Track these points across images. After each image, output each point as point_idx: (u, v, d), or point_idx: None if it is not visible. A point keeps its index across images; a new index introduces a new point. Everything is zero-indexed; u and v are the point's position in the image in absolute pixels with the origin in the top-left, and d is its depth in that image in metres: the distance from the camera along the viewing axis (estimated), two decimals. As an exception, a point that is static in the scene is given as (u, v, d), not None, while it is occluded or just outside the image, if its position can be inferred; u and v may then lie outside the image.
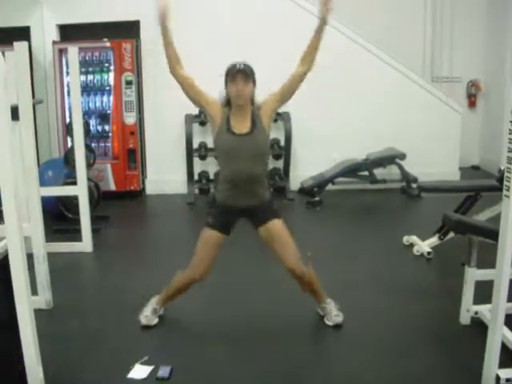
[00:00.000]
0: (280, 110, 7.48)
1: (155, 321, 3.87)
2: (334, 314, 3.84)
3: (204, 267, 3.66)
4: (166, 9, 3.49)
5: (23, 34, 7.21)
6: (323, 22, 3.51)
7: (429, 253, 5.16)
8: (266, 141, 3.61)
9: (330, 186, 7.51)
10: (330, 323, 3.82)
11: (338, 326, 3.79)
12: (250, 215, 3.66)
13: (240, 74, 3.41)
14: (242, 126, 3.50)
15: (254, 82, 3.50)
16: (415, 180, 7.46)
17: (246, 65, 3.46)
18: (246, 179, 3.51)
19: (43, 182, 5.31)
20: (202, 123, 7.63)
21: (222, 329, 3.86)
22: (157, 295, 3.94)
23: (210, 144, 7.62)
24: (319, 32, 3.55)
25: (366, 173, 7.61)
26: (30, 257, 3.46)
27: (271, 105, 3.56)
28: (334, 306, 3.89)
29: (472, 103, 9.56)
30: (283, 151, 7.67)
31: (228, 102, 3.54)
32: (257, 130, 3.50)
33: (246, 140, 3.48)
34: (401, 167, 7.65)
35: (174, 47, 3.63)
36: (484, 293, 3.44)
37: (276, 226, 3.65)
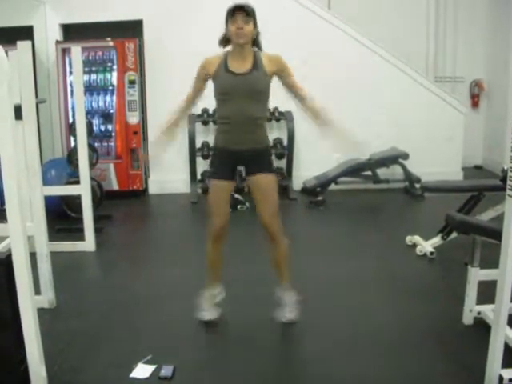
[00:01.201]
0: (282, 110, 7.52)
1: (215, 313, 3.86)
2: (288, 308, 3.80)
3: (222, 217, 3.67)
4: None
5: (26, 33, 7.21)
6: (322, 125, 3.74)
7: (432, 253, 5.15)
8: (266, 83, 3.56)
9: (332, 186, 7.51)
10: (281, 317, 3.78)
11: (291, 323, 3.75)
12: (246, 161, 3.64)
13: (240, 12, 3.40)
14: (241, 65, 3.50)
15: (254, 22, 3.48)
16: (418, 180, 7.46)
17: (246, 4, 3.45)
18: (243, 119, 3.51)
19: (46, 182, 5.31)
20: (205, 122, 7.64)
21: (225, 328, 3.86)
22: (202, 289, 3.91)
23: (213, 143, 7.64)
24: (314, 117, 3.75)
25: (369, 173, 7.61)
26: (33, 256, 3.45)
27: (274, 67, 3.55)
28: (291, 299, 3.82)
29: (475, 103, 9.55)
30: (286, 151, 7.67)
31: (227, 42, 3.54)
32: (257, 71, 3.49)
33: (245, 79, 3.48)
34: (404, 167, 7.64)
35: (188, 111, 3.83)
36: (487, 293, 3.44)
37: (265, 179, 3.64)
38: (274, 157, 7.66)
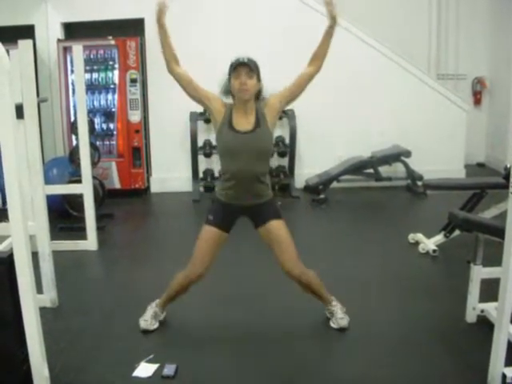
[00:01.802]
0: (285, 108, 7.49)
1: (155, 325, 3.79)
2: (339, 316, 3.77)
3: (202, 265, 3.59)
4: (164, 6, 3.38)
5: (28, 32, 7.22)
6: (333, 22, 3.45)
7: (434, 251, 5.15)
8: (269, 139, 3.53)
9: (335, 184, 7.51)
10: (334, 326, 3.76)
11: (342, 329, 3.73)
12: (250, 214, 3.59)
13: (243, 68, 3.33)
14: (245, 122, 3.42)
15: (258, 76, 3.40)
16: (420, 177, 7.44)
17: (249, 59, 3.38)
18: (247, 178, 3.45)
19: (48, 180, 5.32)
20: (207, 121, 7.63)
21: (227, 327, 3.86)
22: (157, 299, 3.87)
23: (215, 141, 7.62)
24: (329, 33, 3.49)
25: (372, 170, 7.61)
26: (35, 255, 3.46)
27: (277, 104, 3.49)
28: (339, 308, 3.82)
29: (477, 100, 9.54)
30: (288, 149, 7.66)
31: (229, 93, 3.47)
32: (260, 127, 3.42)
33: (249, 138, 3.41)
34: (406, 165, 7.64)
35: (171, 45, 3.57)
36: (490, 291, 3.44)
37: (275, 226, 3.56)
38: (276, 155, 7.69)
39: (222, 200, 3.58)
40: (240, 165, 3.42)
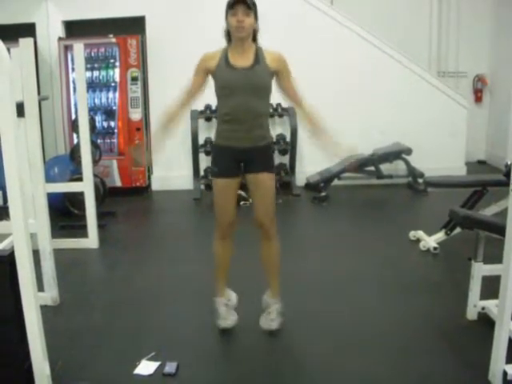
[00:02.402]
0: (285, 105, 7.51)
1: (234, 316, 3.74)
2: (271, 317, 3.69)
3: (227, 213, 3.60)
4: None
5: (29, 30, 7.19)
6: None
7: (435, 248, 5.15)
8: (267, 77, 3.44)
9: (336, 182, 7.50)
10: (263, 325, 3.69)
11: (270, 332, 3.65)
12: (248, 159, 3.53)
13: (240, 5, 3.29)
14: (242, 60, 3.40)
15: (255, 14, 3.36)
16: (421, 175, 7.44)
17: None
18: (245, 115, 3.41)
19: (49, 179, 5.33)
20: (208, 119, 7.64)
21: (230, 328, 3.86)
22: (214, 297, 3.80)
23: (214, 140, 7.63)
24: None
25: (373, 168, 7.60)
26: (36, 253, 3.46)
27: (275, 64, 3.44)
28: (276, 309, 3.71)
29: (478, 98, 9.53)
30: (289, 147, 7.66)
31: (228, 36, 3.44)
32: (259, 65, 3.39)
33: (246, 73, 3.37)
34: (407, 162, 7.64)
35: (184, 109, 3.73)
36: (491, 288, 3.44)
37: (264, 178, 3.54)
38: (277, 153, 7.69)
39: (221, 144, 3.57)
40: (237, 101, 3.39)
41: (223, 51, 3.45)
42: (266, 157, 3.60)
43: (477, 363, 3.23)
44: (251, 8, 3.32)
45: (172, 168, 7.98)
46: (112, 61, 7.69)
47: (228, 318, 3.72)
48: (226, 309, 3.76)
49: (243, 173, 3.60)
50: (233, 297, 3.86)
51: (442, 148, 7.94)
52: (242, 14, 3.30)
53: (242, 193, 6.49)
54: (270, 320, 3.67)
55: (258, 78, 3.41)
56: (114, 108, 7.75)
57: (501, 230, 3.06)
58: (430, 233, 5.35)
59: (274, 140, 7.71)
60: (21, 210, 2.77)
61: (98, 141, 7.40)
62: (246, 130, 3.45)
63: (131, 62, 7.50)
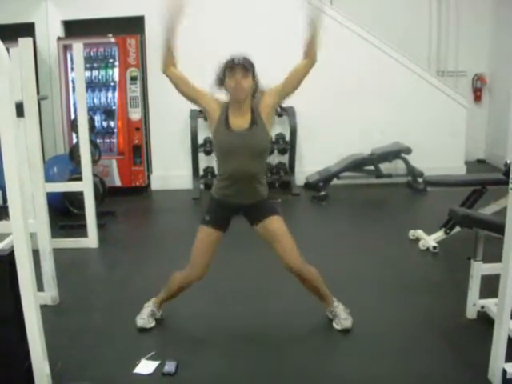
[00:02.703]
0: (285, 105, 7.50)
1: (152, 324, 3.78)
2: (342, 317, 3.71)
3: (201, 266, 3.58)
4: (181, 8, 3.44)
5: (28, 30, 7.19)
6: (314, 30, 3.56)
7: (435, 247, 5.15)
8: (265, 138, 3.43)
9: (335, 181, 7.50)
10: (338, 327, 3.70)
11: (346, 331, 3.68)
12: (246, 212, 3.56)
13: (239, 68, 3.28)
14: (240, 121, 3.37)
15: (253, 75, 3.35)
16: (421, 174, 7.45)
17: (245, 58, 3.31)
18: (244, 177, 3.40)
19: (49, 178, 5.32)
20: (207, 118, 7.63)
21: (228, 325, 3.86)
22: (153, 297, 3.87)
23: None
24: (314, 34, 3.59)
25: (372, 167, 7.60)
26: (35, 253, 3.46)
27: (272, 99, 3.42)
28: (342, 308, 3.76)
29: (478, 97, 9.53)
30: (288, 146, 7.67)
31: (222, 84, 3.39)
32: (256, 126, 3.37)
33: (245, 137, 3.35)
34: (406, 162, 7.64)
35: (175, 49, 3.65)
36: (490, 287, 3.44)
37: (273, 222, 3.52)
38: (276, 152, 7.72)
39: (218, 199, 3.55)
40: (237, 164, 3.37)
41: (224, 108, 3.41)
42: (267, 204, 3.59)
43: (476, 362, 3.23)
44: (249, 69, 3.30)
45: (171, 168, 7.98)
46: (111, 60, 7.69)
47: (149, 322, 3.80)
48: (151, 315, 3.82)
49: (252, 226, 3.59)
50: (158, 315, 3.88)
51: (442, 147, 7.95)
52: (241, 77, 3.28)
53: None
54: (343, 320, 3.70)
55: (256, 140, 3.38)
56: (113, 108, 7.75)
57: (500, 229, 3.07)
58: (429, 232, 5.35)
59: (274, 140, 7.72)
60: (20, 209, 2.77)
61: (98, 140, 7.40)
62: (244, 190, 3.46)
63: (130, 62, 7.51)
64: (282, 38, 6.83)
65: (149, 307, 3.84)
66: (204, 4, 7.39)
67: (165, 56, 3.62)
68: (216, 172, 3.67)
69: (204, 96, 3.44)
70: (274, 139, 7.68)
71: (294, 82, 3.44)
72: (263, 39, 6.91)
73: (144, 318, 3.78)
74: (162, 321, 3.84)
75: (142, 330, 3.74)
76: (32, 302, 2.87)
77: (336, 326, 3.72)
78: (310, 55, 3.50)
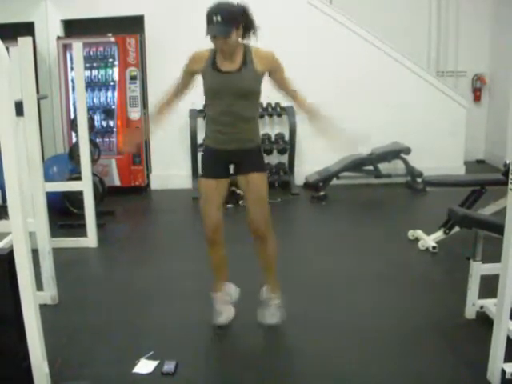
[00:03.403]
0: (284, 105, 7.51)
1: (232, 310, 3.75)
2: (270, 311, 3.68)
3: (211, 216, 3.53)
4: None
5: (27, 29, 7.20)
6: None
7: (434, 247, 5.16)
8: (256, 80, 3.39)
9: (334, 181, 7.50)
10: (261, 320, 3.66)
11: (270, 326, 3.65)
12: (236, 160, 3.52)
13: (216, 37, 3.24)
14: (229, 63, 3.35)
15: (237, 26, 3.27)
16: (420, 174, 7.45)
17: (221, 20, 3.18)
18: (232, 118, 3.38)
19: (48, 178, 5.31)
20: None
21: (228, 325, 3.86)
22: (212, 293, 3.78)
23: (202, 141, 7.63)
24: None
25: (371, 167, 7.60)
26: (35, 252, 3.46)
27: (264, 66, 3.39)
28: (276, 303, 3.70)
29: (477, 97, 9.53)
30: (288, 146, 7.67)
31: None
32: (246, 69, 3.34)
33: (234, 77, 3.33)
34: (406, 162, 7.64)
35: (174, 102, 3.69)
36: (489, 287, 3.44)
37: (256, 179, 3.50)
38: (276, 152, 7.71)
39: (210, 146, 3.55)
40: (224, 105, 3.36)
41: (212, 52, 3.40)
42: (256, 158, 3.56)
43: (475, 362, 3.23)
44: (229, 31, 3.23)
45: (171, 167, 7.98)
46: (111, 60, 7.69)
47: (223, 313, 3.71)
48: (223, 303, 3.75)
49: (234, 175, 3.58)
50: (232, 290, 3.81)
51: (441, 147, 7.95)
52: (222, 42, 3.26)
53: (242, 192, 6.51)
54: (271, 314, 3.66)
55: (244, 82, 3.35)
56: (112, 107, 7.75)
57: (499, 229, 3.07)
58: (428, 232, 5.35)
59: (273, 139, 7.73)
60: (20, 208, 2.77)
61: (97, 140, 7.39)
62: (232, 133, 3.43)
63: (130, 61, 7.51)
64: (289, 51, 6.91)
65: (216, 298, 3.75)
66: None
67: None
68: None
69: (191, 69, 3.46)
70: (273, 139, 7.70)
71: (277, 85, 3.52)
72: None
73: (222, 313, 3.71)
74: (159, 321, 3.83)
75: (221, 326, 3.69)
76: (31, 301, 2.86)
77: (261, 319, 3.68)
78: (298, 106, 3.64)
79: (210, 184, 3.54)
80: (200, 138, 7.58)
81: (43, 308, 3.23)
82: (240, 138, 3.46)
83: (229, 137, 3.44)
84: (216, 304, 3.75)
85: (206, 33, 3.24)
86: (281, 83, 3.51)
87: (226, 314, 3.73)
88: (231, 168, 3.59)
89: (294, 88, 3.55)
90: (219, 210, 3.58)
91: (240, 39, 3.38)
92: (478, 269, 3.71)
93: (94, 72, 7.72)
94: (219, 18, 3.18)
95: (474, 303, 3.78)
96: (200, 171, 3.61)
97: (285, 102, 7.48)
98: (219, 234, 3.61)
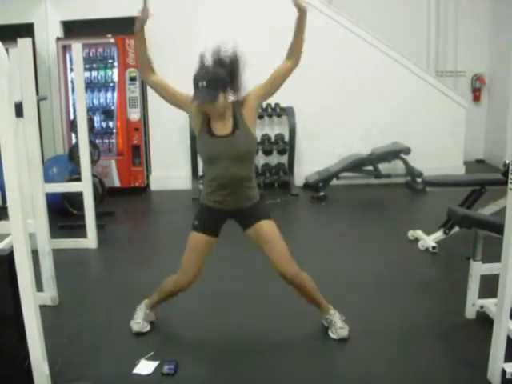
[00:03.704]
0: (284, 105, 7.52)
1: (147, 328, 3.73)
2: (338, 326, 3.59)
3: (192, 273, 3.49)
4: (147, 15, 3.42)
5: (27, 30, 7.20)
6: (301, 12, 3.29)
7: (434, 247, 5.16)
8: (250, 141, 3.34)
9: (334, 181, 7.50)
10: (334, 336, 3.58)
11: (343, 340, 3.56)
12: (237, 217, 3.46)
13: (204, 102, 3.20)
14: (223, 127, 3.28)
15: (224, 89, 3.20)
16: (420, 174, 7.45)
17: (208, 86, 3.13)
18: (231, 182, 3.32)
19: (48, 179, 5.32)
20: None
21: (227, 325, 3.86)
22: (145, 299, 3.83)
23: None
24: (300, 24, 3.31)
25: (371, 167, 7.61)
26: (35, 253, 3.46)
27: (254, 101, 3.33)
28: (338, 317, 3.63)
29: (477, 97, 9.54)
30: (287, 146, 7.67)
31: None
32: (239, 130, 3.28)
33: (228, 141, 3.26)
34: (405, 162, 7.64)
35: (149, 54, 3.54)
36: (489, 287, 3.44)
37: (264, 227, 3.41)
38: (275, 152, 7.72)
39: (207, 204, 3.47)
40: (222, 169, 3.29)
41: (206, 114, 3.33)
42: (259, 208, 3.47)
43: (475, 362, 3.23)
44: (216, 96, 3.16)
45: (171, 168, 7.98)
46: (110, 61, 7.70)
47: (145, 327, 3.74)
48: (145, 318, 3.76)
49: (244, 231, 3.50)
50: (152, 317, 3.83)
51: (441, 147, 7.95)
52: (210, 107, 3.22)
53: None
54: (339, 329, 3.57)
55: (240, 144, 3.29)
56: (112, 108, 7.76)
57: (499, 229, 3.07)
58: (428, 232, 5.35)
59: (273, 140, 7.72)
60: (20, 210, 2.77)
61: (97, 141, 7.39)
62: (231, 194, 3.36)
63: (129, 62, 7.51)
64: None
65: (141, 310, 3.79)
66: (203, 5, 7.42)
67: (141, 60, 3.57)
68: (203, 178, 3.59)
69: (185, 101, 3.36)
70: (273, 139, 7.69)
71: (276, 85, 3.37)
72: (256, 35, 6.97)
73: (139, 323, 3.72)
74: (159, 321, 3.83)
75: (138, 334, 3.69)
76: (31, 302, 2.87)
77: (332, 335, 3.60)
78: (295, 54, 3.34)
79: (201, 240, 3.48)
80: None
81: (43, 309, 3.23)
82: (238, 198, 3.39)
83: (228, 198, 3.37)
84: (141, 313, 3.77)
85: (193, 98, 3.19)
86: (275, 81, 3.36)
87: (141, 325, 3.73)
88: (237, 223, 3.51)
89: (280, 66, 3.36)
90: (201, 269, 3.53)
91: (230, 97, 3.31)
92: (478, 269, 3.71)
93: (94, 73, 7.73)
94: (204, 83, 3.13)
95: (474, 303, 3.78)
96: (193, 222, 3.50)
97: (284, 103, 7.51)
98: (190, 285, 3.58)
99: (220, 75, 3.20)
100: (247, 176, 3.39)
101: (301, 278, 3.51)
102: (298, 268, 3.51)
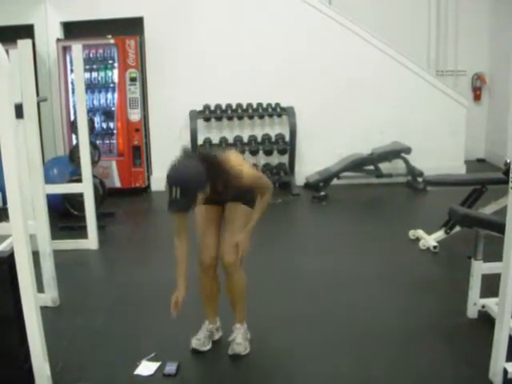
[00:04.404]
0: (284, 105, 7.51)
1: (208, 346, 3.51)
2: (237, 341, 3.43)
3: (209, 244, 3.39)
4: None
5: (27, 31, 7.21)
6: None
7: (435, 247, 5.15)
8: (241, 188, 3.23)
9: (335, 181, 7.50)
10: (229, 350, 3.43)
11: (235, 356, 3.42)
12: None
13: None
14: (213, 192, 3.18)
15: (200, 192, 3.06)
16: (421, 174, 7.44)
17: (182, 191, 2.94)
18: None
19: (48, 180, 5.32)
20: (207, 119, 7.63)
21: (228, 326, 3.86)
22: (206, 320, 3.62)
23: (215, 140, 7.63)
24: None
25: (372, 167, 7.60)
26: (35, 254, 3.46)
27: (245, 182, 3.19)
28: (242, 333, 3.46)
29: (477, 96, 9.54)
30: (288, 146, 7.66)
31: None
32: (228, 189, 3.23)
33: (219, 196, 3.28)
34: (406, 161, 7.63)
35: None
36: (491, 286, 3.44)
37: (237, 208, 3.37)
38: (276, 152, 7.73)
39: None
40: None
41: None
42: (246, 192, 3.36)
43: (477, 361, 3.23)
44: (192, 201, 3.07)
45: (171, 168, 7.97)
46: (110, 62, 7.69)
47: (205, 345, 3.52)
48: (207, 336, 3.56)
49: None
50: (215, 328, 3.62)
51: (442, 147, 7.95)
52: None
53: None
54: (236, 344, 3.43)
55: (231, 195, 3.32)
56: (112, 109, 7.75)
57: (500, 228, 3.06)
58: (429, 231, 5.35)
59: (274, 140, 7.72)
60: (20, 211, 2.77)
61: (97, 142, 7.39)
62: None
63: (130, 63, 7.50)
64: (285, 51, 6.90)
65: (205, 327, 3.57)
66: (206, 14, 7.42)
67: None
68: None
69: (186, 216, 3.30)
70: (273, 140, 7.69)
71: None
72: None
73: (200, 339, 3.51)
74: (160, 322, 3.80)
75: (195, 351, 3.48)
76: (32, 303, 2.87)
77: (229, 351, 3.45)
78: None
79: (207, 207, 3.42)
80: (200, 139, 7.59)
81: (44, 310, 3.23)
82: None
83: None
84: (202, 331, 3.58)
85: (168, 207, 3.06)
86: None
87: (201, 343, 3.51)
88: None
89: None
90: (218, 237, 3.43)
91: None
92: (480, 268, 3.71)
93: (94, 74, 7.72)
94: (178, 194, 2.94)
95: (475, 302, 3.78)
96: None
97: (285, 103, 7.51)
98: (216, 263, 3.44)
99: (193, 180, 3.03)
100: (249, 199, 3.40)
101: (235, 271, 3.38)
102: (240, 264, 3.39)
